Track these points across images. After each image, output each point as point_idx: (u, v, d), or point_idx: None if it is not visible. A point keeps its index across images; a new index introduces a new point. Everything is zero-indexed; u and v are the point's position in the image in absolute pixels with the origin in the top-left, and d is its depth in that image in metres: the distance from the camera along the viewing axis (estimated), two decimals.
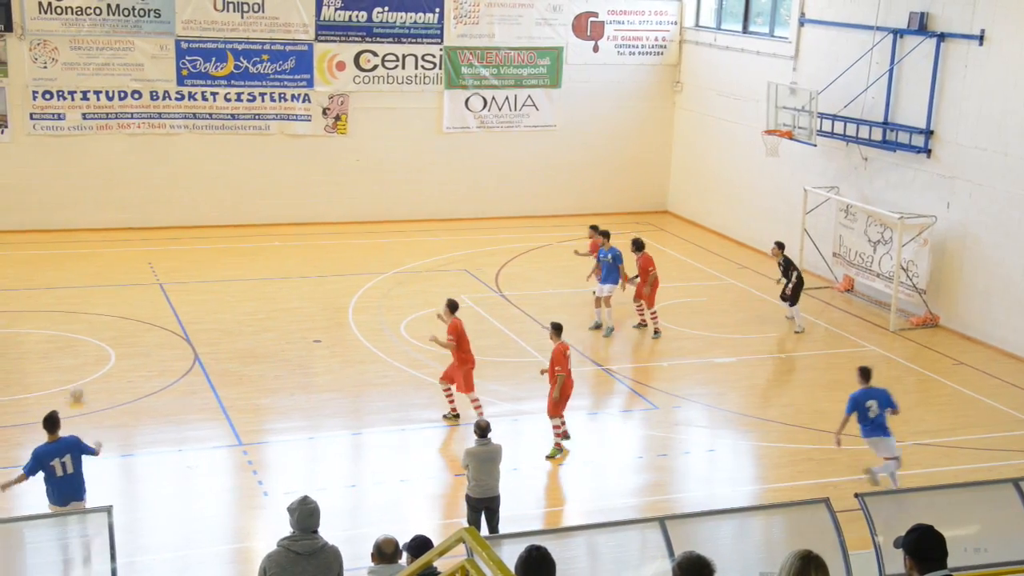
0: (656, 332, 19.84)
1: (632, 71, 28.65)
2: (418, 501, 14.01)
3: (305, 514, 8.04)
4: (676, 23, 28.65)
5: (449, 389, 16.04)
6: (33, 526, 10.20)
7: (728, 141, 27.14)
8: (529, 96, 28.00)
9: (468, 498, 12.35)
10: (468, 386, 15.78)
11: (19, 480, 11.86)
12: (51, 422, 11.83)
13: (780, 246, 20.84)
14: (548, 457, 15.04)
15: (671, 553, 8.55)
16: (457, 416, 16.00)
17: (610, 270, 19.72)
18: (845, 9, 23.25)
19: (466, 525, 11.54)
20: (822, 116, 22.98)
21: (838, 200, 22.89)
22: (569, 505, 14.34)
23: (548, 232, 26.76)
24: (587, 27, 28.11)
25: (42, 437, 11.80)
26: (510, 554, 6.25)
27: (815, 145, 23.22)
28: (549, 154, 28.33)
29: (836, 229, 23.13)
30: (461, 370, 15.70)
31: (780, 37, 25.55)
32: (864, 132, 22.51)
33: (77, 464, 11.82)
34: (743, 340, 20.14)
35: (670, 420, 16.43)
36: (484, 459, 12.27)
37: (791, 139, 23.56)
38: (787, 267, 20.51)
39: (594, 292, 20.13)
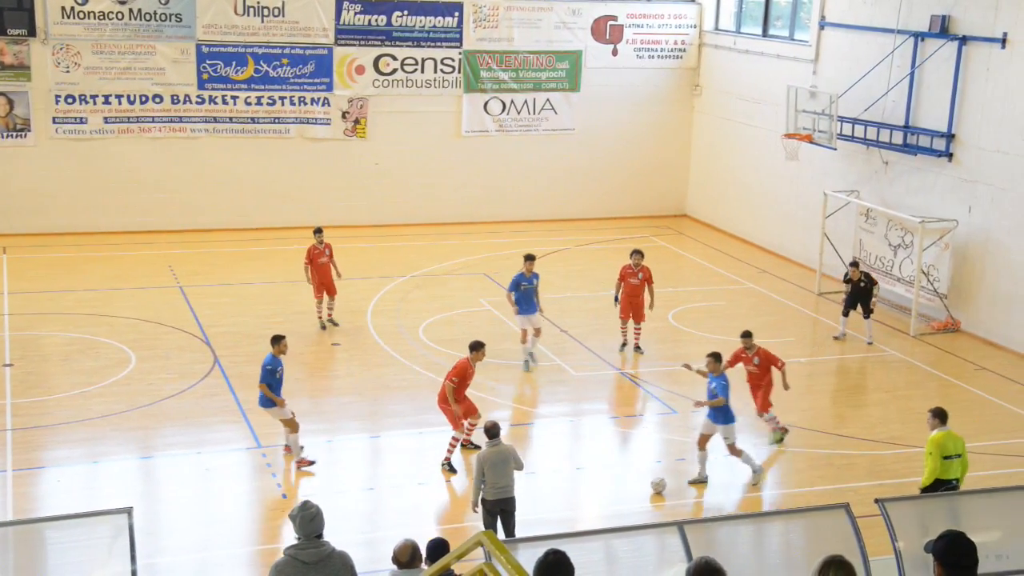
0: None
1: (651, 74, 28.62)
2: (436, 504, 14.03)
3: (306, 520, 7.77)
4: (695, 26, 28.60)
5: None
6: (55, 527, 10.29)
7: (747, 145, 27.07)
8: (548, 100, 28.00)
9: (484, 501, 12.32)
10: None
11: None
12: None
13: (855, 264, 20.12)
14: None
15: (690, 558, 8.52)
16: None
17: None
18: (866, 12, 23.14)
19: (483, 528, 11.56)
20: (842, 120, 22.89)
21: (858, 204, 22.76)
22: (587, 509, 14.33)
23: (566, 236, 26.75)
24: (606, 31, 28.09)
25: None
26: (527, 558, 6.24)
27: (835, 149, 23.14)
28: (568, 158, 28.32)
29: (856, 233, 23.00)
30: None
31: (800, 40, 25.47)
32: (885, 136, 22.40)
33: None
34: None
35: (688, 424, 16.38)
36: (496, 461, 12.23)
37: (811, 143, 23.50)
38: (869, 281, 19.77)
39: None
